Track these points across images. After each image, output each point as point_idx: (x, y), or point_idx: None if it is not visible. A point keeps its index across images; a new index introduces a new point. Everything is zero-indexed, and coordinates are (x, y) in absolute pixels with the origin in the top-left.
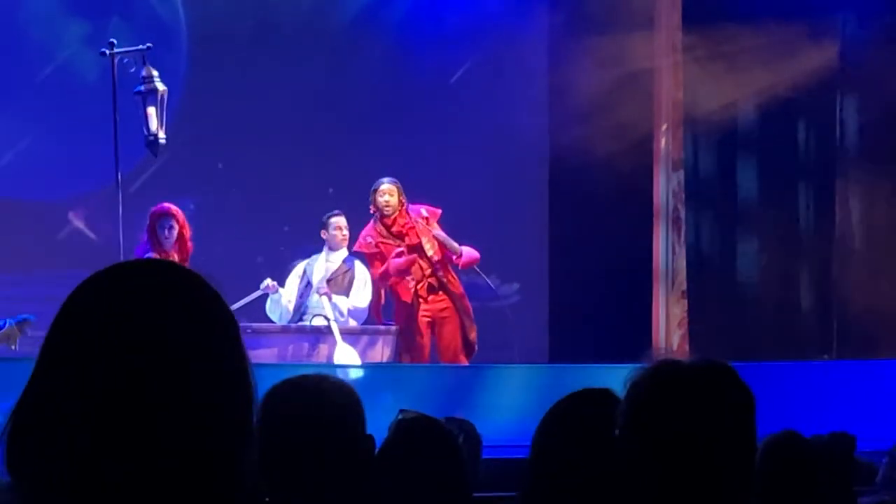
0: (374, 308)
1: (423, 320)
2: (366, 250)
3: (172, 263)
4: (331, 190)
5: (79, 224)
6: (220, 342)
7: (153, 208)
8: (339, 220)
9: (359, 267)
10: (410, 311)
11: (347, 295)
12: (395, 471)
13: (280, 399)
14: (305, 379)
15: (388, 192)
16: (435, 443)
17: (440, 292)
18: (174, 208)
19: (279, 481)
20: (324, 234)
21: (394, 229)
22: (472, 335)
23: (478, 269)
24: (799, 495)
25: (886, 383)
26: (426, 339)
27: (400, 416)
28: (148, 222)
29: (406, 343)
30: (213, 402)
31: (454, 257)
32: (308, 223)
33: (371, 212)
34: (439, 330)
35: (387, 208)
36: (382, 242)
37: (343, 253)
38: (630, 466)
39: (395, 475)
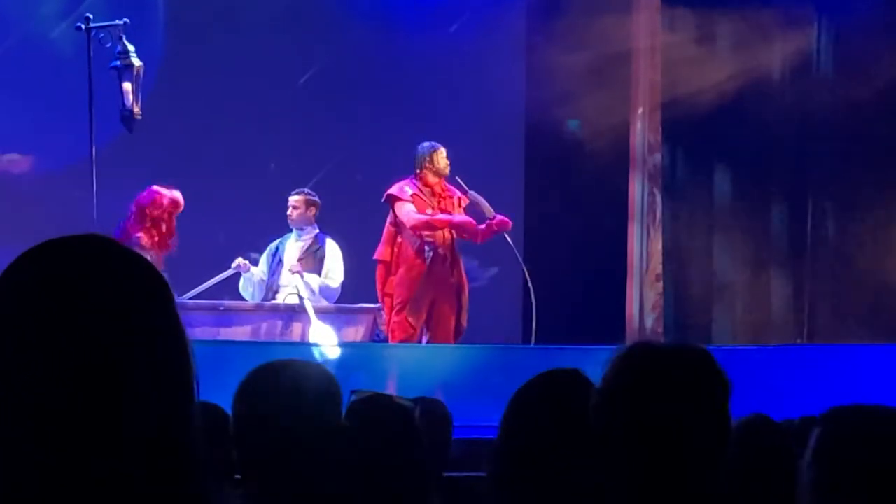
0: (380, 278)
1: (426, 293)
2: (397, 194)
3: (109, 239)
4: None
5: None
6: (156, 319)
7: (175, 196)
8: (291, 198)
9: (330, 245)
10: (415, 281)
11: (318, 273)
12: (353, 452)
13: (259, 385)
14: (285, 365)
15: (447, 159)
16: (389, 420)
17: (452, 266)
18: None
19: (254, 468)
20: None
21: (434, 189)
22: (463, 321)
23: (507, 237)
24: (769, 479)
25: (857, 368)
26: (422, 314)
27: (353, 398)
28: (164, 209)
29: (404, 314)
30: (150, 379)
31: (488, 219)
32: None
33: (416, 173)
34: (438, 307)
35: (446, 169)
36: (418, 196)
37: (314, 231)
38: (603, 447)
39: (353, 456)
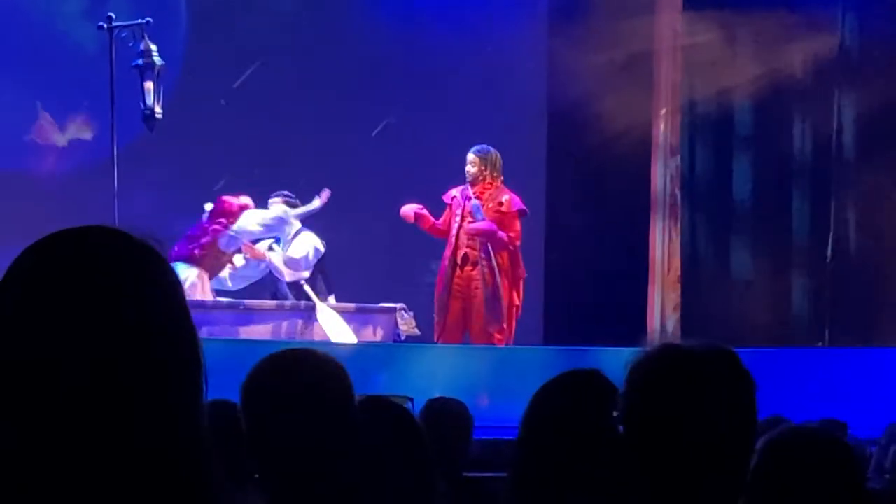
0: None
1: (454, 290)
2: (445, 198)
3: (118, 231)
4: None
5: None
6: (164, 313)
7: (244, 203)
8: (269, 201)
9: (302, 236)
10: (445, 278)
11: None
12: (357, 451)
13: (266, 373)
14: (291, 353)
15: (469, 162)
16: (386, 420)
17: (476, 267)
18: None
19: (266, 456)
20: None
21: (472, 191)
22: (493, 330)
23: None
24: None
25: (878, 371)
26: (453, 311)
27: None
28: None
29: (438, 311)
30: (157, 375)
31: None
32: (304, 199)
33: None
34: (468, 307)
35: (467, 174)
36: (456, 198)
37: (293, 229)
38: (629, 448)
39: (358, 456)
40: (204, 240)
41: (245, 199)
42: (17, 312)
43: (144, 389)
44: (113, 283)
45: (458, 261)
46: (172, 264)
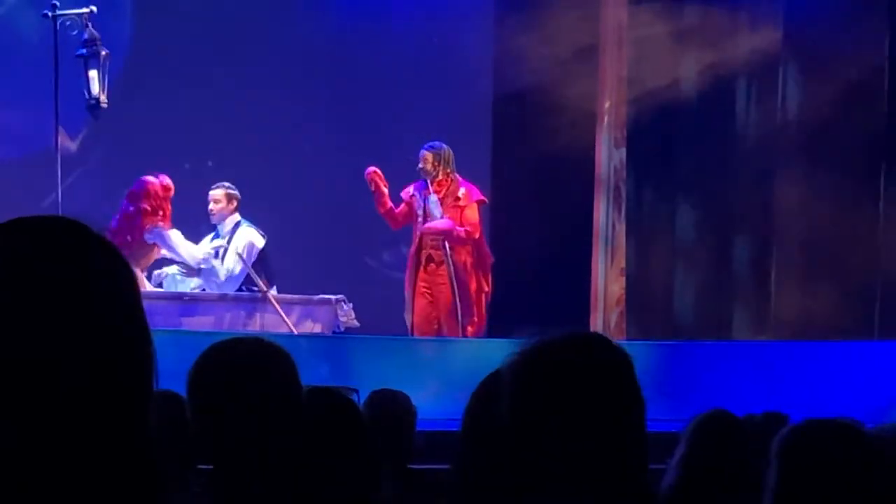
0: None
1: (420, 289)
2: (403, 195)
3: (77, 221)
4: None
5: None
6: (120, 305)
7: (165, 182)
8: (211, 193)
9: (238, 236)
10: (410, 278)
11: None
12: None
13: (213, 362)
14: (239, 342)
15: (422, 159)
16: (331, 412)
17: (441, 266)
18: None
19: (212, 446)
20: None
21: (430, 188)
22: (466, 323)
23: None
24: (729, 474)
25: (820, 364)
26: (419, 309)
27: None
28: (160, 197)
29: (407, 311)
30: (108, 366)
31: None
32: (255, 191)
33: None
34: (436, 304)
35: (421, 172)
36: (415, 196)
37: (232, 222)
38: (518, 444)
39: (303, 446)
40: (129, 236)
41: (165, 180)
42: None
43: (95, 378)
44: (75, 277)
45: (423, 261)
46: None
